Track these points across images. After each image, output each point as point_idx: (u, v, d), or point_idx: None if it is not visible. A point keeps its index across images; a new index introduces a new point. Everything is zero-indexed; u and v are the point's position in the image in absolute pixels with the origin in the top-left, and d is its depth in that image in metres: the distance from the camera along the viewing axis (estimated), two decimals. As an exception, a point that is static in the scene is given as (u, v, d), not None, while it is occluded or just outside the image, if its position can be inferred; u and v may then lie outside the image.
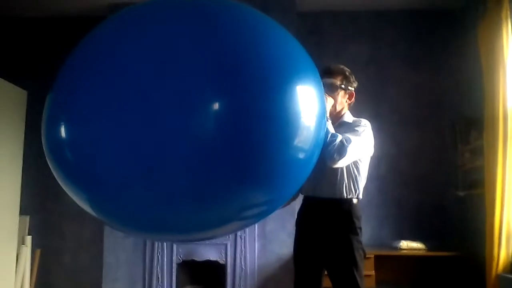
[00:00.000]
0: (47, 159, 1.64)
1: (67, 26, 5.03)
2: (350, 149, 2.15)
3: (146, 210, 1.53)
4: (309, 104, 1.61)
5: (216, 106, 1.40)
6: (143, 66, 1.44)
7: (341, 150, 2.13)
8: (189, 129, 1.38)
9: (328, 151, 2.12)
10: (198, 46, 1.45)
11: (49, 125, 1.61)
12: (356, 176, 2.37)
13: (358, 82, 2.50)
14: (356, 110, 2.58)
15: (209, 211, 1.54)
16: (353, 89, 2.47)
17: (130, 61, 1.47)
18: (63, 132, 1.52)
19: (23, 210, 4.46)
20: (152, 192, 1.47)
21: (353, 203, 2.37)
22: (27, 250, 4.43)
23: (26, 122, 4.47)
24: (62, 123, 1.54)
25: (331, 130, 2.20)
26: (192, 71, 1.41)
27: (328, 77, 2.37)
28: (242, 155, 1.43)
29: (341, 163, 2.19)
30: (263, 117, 1.45)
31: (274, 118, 1.47)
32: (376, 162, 4.30)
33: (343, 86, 2.42)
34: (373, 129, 2.40)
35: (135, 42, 1.50)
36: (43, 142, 1.64)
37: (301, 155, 1.59)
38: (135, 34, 1.53)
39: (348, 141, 2.16)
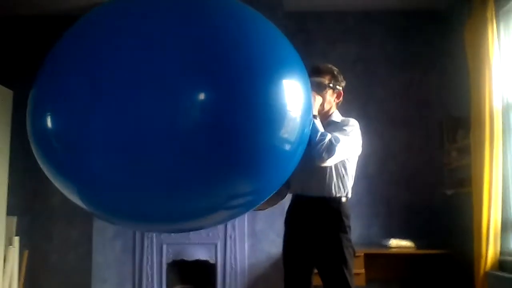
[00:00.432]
0: (33, 150, 1.64)
1: (53, 25, 4.95)
2: (338, 148, 2.17)
3: (132, 199, 1.54)
4: (295, 97, 1.62)
5: (201, 95, 1.41)
6: (127, 55, 1.45)
7: (330, 149, 2.15)
8: (175, 118, 1.39)
9: (317, 149, 2.14)
10: (184, 35, 1.46)
11: (34, 115, 1.61)
12: (344, 175, 2.38)
13: (346, 81, 2.51)
14: (344, 109, 2.59)
15: (195, 199, 1.55)
16: (341, 88, 2.48)
17: (114, 50, 1.47)
18: (48, 121, 1.52)
19: (11, 211, 4.42)
20: (138, 181, 1.47)
21: (342, 201, 2.38)
22: (14, 251, 4.39)
23: (12, 122, 4.43)
24: (47, 112, 1.53)
25: (321, 128, 2.22)
26: (178, 60, 1.42)
27: (316, 76, 2.38)
28: (227, 143, 1.44)
29: (330, 162, 2.21)
30: (249, 106, 1.46)
31: (260, 108, 1.48)
32: (365, 161, 4.28)
33: (331, 85, 2.43)
34: (361, 128, 2.41)
35: (119, 31, 1.51)
36: (28, 133, 1.64)
37: (286, 147, 1.61)
38: (120, 23, 1.54)
39: (337, 140, 2.17)
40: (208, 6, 1.60)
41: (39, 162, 1.63)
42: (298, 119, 1.62)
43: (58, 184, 1.63)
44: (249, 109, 1.46)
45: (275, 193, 1.91)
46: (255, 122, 1.48)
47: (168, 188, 1.49)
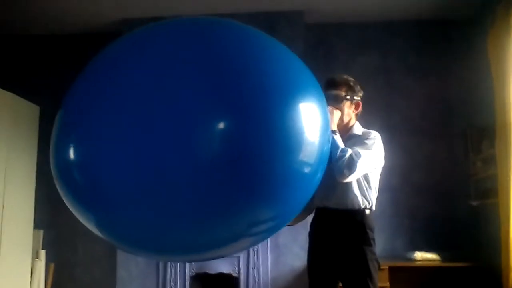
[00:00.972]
0: (54, 179, 1.66)
1: (79, 42, 5.10)
2: (360, 164, 2.16)
3: (152, 231, 1.54)
4: (312, 120, 1.62)
5: (219, 125, 1.42)
6: (150, 88, 1.47)
7: (351, 165, 2.14)
8: (195, 149, 1.40)
9: (338, 166, 2.14)
10: (202, 67, 1.48)
11: (57, 145, 1.63)
12: (366, 188, 2.37)
13: (367, 92, 2.49)
14: (366, 120, 2.58)
15: (216, 229, 1.55)
16: (359, 98, 2.45)
17: (137, 83, 1.49)
18: (71, 153, 1.54)
19: (37, 224, 4.50)
20: (158, 213, 1.48)
21: (366, 214, 2.37)
22: (41, 264, 4.45)
23: (38, 137, 4.52)
24: (70, 144, 1.56)
25: (341, 144, 2.21)
26: (197, 92, 1.44)
27: (332, 89, 2.37)
28: (245, 171, 1.45)
29: (351, 178, 2.20)
30: (266, 135, 1.47)
31: (277, 133, 1.49)
32: (388, 173, 4.24)
33: (348, 96, 2.40)
34: (384, 139, 2.39)
35: (143, 64, 1.53)
36: (51, 162, 1.66)
37: (306, 170, 1.60)
38: (143, 56, 1.57)
39: (358, 155, 2.16)
40: (223, 34, 1.63)
41: (59, 190, 1.65)
42: (317, 141, 1.62)
43: (76, 213, 1.65)
44: (267, 135, 1.47)
45: (304, 209, 1.90)
46: (273, 148, 1.48)
47: (189, 218, 1.50)
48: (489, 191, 4.15)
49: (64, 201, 1.65)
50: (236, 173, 1.43)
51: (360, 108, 2.47)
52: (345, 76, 2.47)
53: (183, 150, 1.40)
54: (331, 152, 2.02)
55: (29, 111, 4.47)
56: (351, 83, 2.44)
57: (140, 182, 1.44)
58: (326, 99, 1.89)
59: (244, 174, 1.44)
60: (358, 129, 2.46)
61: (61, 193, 1.64)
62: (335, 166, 2.14)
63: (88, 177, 1.53)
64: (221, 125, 1.42)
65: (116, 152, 1.46)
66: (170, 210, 1.47)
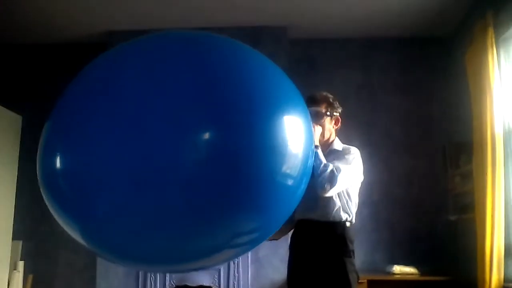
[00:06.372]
0: (40, 188, 1.67)
1: (63, 52, 5.10)
2: (340, 178, 2.21)
3: (137, 240, 1.55)
4: (296, 133, 1.65)
5: (205, 136, 1.45)
6: (138, 99, 1.49)
7: (332, 179, 2.19)
8: (180, 160, 1.42)
9: (319, 181, 2.18)
10: (188, 79, 1.51)
11: (45, 154, 1.64)
12: (347, 201, 2.41)
13: (349, 107, 2.55)
14: (347, 136, 2.62)
15: (199, 239, 1.56)
16: (338, 114, 2.52)
17: (125, 95, 1.52)
18: (58, 161, 1.55)
19: (16, 235, 4.44)
20: (142, 221, 1.49)
21: (346, 226, 2.40)
22: (19, 276, 4.39)
23: (20, 147, 4.48)
24: (57, 153, 1.57)
25: (323, 159, 2.25)
26: (183, 103, 1.46)
27: (313, 106, 2.40)
28: (231, 182, 1.46)
29: (332, 192, 2.25)
30: (251, 147, 1.49)
31: (262, 147, 1.51)
32: (369, 188, 4.32)
33: (328, 113, 2.47)
34: (365, 155, 2.44)
35: (131, 76, 1.55)
36: (37, 170, 1.67)
37: (289, 182, 1.63)
38: (131, 68, 1.59)
39: (338, 170, 2.21)
40: (210, 47, 1.67)
41: (45, 198, 1.66)
42: (301, 154, 1.65)
43: (61, 222, 1.65)
44: (251, 147, 1.49)
45: (288, 222, 1.92)
46: (257, 159, 1.50)
47: (174, 228, 1.51)
48: (466, 206, 4.22)
49: (50, 209, 1.65)
50: (220, 183, 1.45)
51: (339, 124, 2.54)
52: (325, 93, 2.53)
53: (168, 160, 1.42)
54: (313, 167, 2.07)
55: (11, 120, 4.43)
56: (331, 100, 2.50)
57: (125, 192, 1.46)
58: None
59: (228, 184, 1.46)
60: (338, 144, 2.51)
61: (47, 201, 1.65)
62: (317, 181, 2.17)
63: (74, 186, 1.54)
64: (207, 135, 1.45)
65: (102, 161, 1.48)
66: (156, 220, 1.48)
